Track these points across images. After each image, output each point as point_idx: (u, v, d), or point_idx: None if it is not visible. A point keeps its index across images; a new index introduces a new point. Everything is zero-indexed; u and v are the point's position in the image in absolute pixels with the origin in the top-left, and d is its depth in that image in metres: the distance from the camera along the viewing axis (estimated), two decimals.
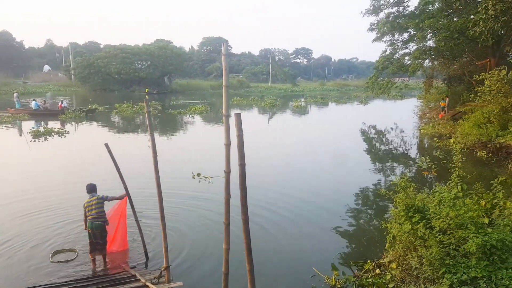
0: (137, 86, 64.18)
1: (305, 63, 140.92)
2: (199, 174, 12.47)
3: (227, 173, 3.55)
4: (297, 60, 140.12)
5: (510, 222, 6.51)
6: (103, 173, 11.49)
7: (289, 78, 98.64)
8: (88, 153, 16.37)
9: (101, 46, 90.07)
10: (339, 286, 6.07)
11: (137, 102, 37.63)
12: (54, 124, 24.25)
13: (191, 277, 6.47)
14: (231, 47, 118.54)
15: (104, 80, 63.04)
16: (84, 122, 26.71)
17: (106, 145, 6.40)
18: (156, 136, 20.26)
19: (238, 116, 3.17)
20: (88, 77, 62.85)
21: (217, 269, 5.63)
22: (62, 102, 31.34)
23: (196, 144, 19.42)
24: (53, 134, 20.78)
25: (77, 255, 7.06)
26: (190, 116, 31.75)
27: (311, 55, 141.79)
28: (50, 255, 7.05)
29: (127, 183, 6.76)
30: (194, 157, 15.75)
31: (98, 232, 6.52)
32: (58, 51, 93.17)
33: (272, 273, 6.69)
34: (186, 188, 11.33)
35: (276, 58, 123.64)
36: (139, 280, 5.89)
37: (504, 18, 10.74)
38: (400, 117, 30.33)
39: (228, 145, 3.45)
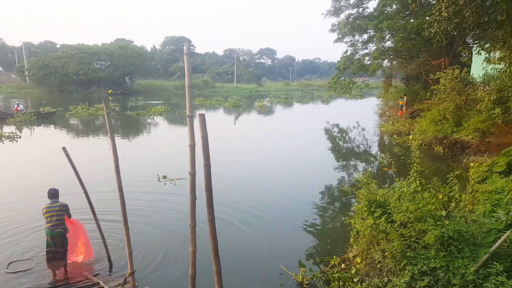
0: (97, 87, 62.35)
1: (270, 63, 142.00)
2: (164, 177, 12.27)
3: (192, 174, 3.52)
4: (262, 60, 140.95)
5: (465, 214, 6.88)
6: (59, 178, 11.07)
7: (254, 78, 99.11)
8: (42, 157, 15.74)
9: (58, 46, 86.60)
10: (306, 282, 6.16)
11: (93, 104, 36.51)
12: (8, 128, 23.08)
13: (157, 282, 6.36)
14: (195, 47, 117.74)
15: (62, 81, 60.70)
16: (35, 126, 25.53)
17: (64, 149, 6.16)
18: (118, 139, 19.80)
19: (202, 117, 3.14)
20: (44, 78, 60.30)
21: (185, 272, 5.56)
22: (18, 105, 29.83)
23: (160, 146, 19.08)
24: (3, 139, 19.76)
25: (35, 265, 6.75)
26: (150, 117, 31.10)
27: (275, 55, 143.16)
28: (6, 266, 6.69)
29: (88, 188, 6.55)
30: (158, 160, 15.47)
31: (58, 241, 6.23)
32: (11, 51, 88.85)
33: (241, 273, 6.70)
34: (151, 191, 11.13)
35: (241, 58, 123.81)
36: (103, 287, 5.72)
37: (456, 20, 11.24)
38: (362, 115, 31.20)
39: (192, 146, 3.41)
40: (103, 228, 6.87)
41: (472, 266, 5.01)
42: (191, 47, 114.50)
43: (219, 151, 15.45)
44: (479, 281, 4.86)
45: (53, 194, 6.44)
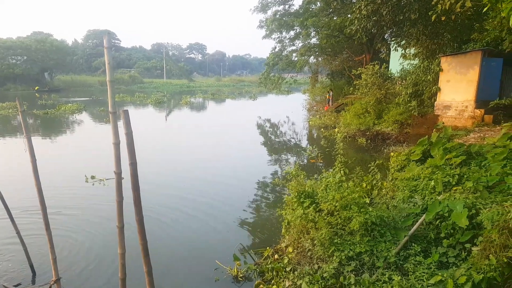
0: (13, 84, 57.23)
1: (200, 58, 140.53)
2: (93, 177, 11.65)
3: (117, 174, 3.36)
4: (192, 56, 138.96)
5: (386, 200, 7.38)
6: None
7: (184, 73, 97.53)
8: None
9: None
10: (241, 275, 6.21)
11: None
12: None
13: (86, 287, 6.02)
14: (120, 41, 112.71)
15: None
16: None
17: None
18: (37, 140, 18.36)
19: (126, 113, 3.01)
20: None
21: (115, 275, 5.33)
22: None
23: (82, 146, 17.92)
24: None
25: None
26: (61, 116, 28.86)
27: (206, 50, 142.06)
28: None
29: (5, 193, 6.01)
30: (83, 160, 14.58)
31: None
32: None
33: (175, 271, 6.57)
34: (79, 192, 10.50)
35: (170, 53, 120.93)
36: None
37: (374, 18, 12.00)
38: (291, 110, 32.02)
39: (116, 144, 3.26)
40: (27, 233, 6.35)
41: (393, 248, 5.39)
42: (116, 41, 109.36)
43: (146, 150, 15.04)
44: (400, 262, 5.26)
45: None
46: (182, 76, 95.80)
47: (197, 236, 8.09)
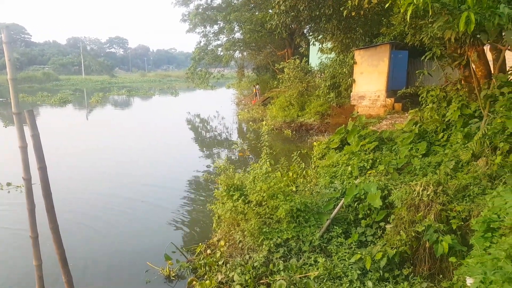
0: None
1: (122, 53, 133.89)
2: (9, 184, 10.67)
3: (27, 180, 3.12)
4: (113, 50, 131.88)
5: (310, 187, 7.76)
6: None
7: (105, 69, 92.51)
8: None
9: None
10: (173, 274, 6.14)
11: None
12: None
13: None
14: (31, 35, 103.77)
15: None
16: None
17: None
18: None
19: (31, 113, 2.80)
20: None
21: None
22: None
23: None
24: None
25: None
26: None
27: (127, 45, 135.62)
28: None
29: None
30: None
31: None
32: None
33: (102, 277, 6.29)
34: None
35: (88, 48, 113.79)
36: None
37: (293, 13, 12.34)
38: (220, 105, 31.95)
39: (24, 148, 3.02)
40: None
41: (317, 232, 5.72)
42: (26, 36, 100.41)
43: (61, 153, 14.12)
44: (324, 244, 5.60)
45: None
46: (103, 72, 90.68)
47: (126, 239, 7.80)
